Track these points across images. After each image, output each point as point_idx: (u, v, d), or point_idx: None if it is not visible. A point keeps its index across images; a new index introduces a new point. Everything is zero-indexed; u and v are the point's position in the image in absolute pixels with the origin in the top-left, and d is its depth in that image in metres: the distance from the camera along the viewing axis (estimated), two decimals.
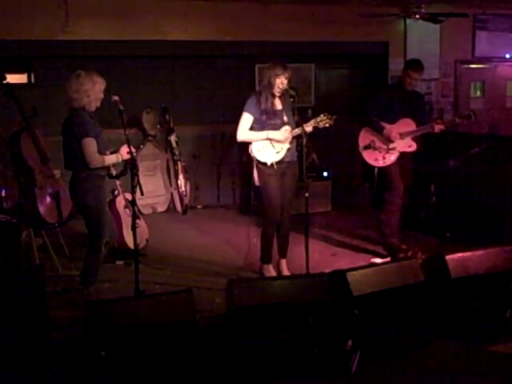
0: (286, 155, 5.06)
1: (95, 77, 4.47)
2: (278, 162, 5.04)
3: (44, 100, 6.61)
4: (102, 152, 4.47)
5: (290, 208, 5.23)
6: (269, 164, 5.03)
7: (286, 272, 5.29)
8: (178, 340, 3.54)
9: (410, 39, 8.22)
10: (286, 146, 5.05)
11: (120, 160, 4.50)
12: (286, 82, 4.96)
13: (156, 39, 7.13)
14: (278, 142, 5.01)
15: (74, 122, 4.41)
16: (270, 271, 5.29)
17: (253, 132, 5.07)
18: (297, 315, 3.79)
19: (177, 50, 7.38)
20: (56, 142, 5.38)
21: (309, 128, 4.94)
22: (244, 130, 5.07)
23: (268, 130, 5.02)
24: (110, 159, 4.50)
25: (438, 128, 5.59)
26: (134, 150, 4.40)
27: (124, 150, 4.46)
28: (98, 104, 4.53)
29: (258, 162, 5.08)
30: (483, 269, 4.25)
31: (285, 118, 5.05)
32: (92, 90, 4.44)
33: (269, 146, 5.04)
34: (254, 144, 5.07)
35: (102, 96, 4.51)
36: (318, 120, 4.99)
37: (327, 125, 5.00)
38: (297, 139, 5.16)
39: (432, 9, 7.47)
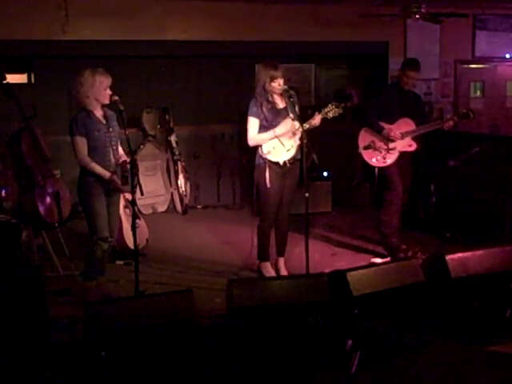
0: (297, 152, 4.97)
1: (97, 76, 4.45)
2: (290, 160, 4.97)
3: (44, 100, 6.62)
4: (102, 149, 4.52)
5: (289, 207, 5.20)
6: (281, 163, 4.96)
7: (283, 271, 5.28)
8: (177, 340, 3.54)
9: (410, 39, 8.22)
10: (296, 142, 4.95)
11: (106, 177, 4.50)
12: (282, 81, 4.88)
13: (156, 39, 7.13)
14: (286, 138, 4.93)
15: (71, 121, 4.54)
16: (268, 269, 5.27)
17: (261, 134, 5.00)
18: (297, 315, 3.79)
19: (177, 50, 7.38)
20: (56, 142, 5.41)
21: (316, 120, 4.84)
22: (253, 134, 5.00)
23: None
24: (98, 169, 4.49)
25: (447, 126, 5.61)
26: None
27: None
28: (105, 101, 4.52)
29: (271, 162, 4.98)
30: (483, 269, 4.25)
31: (290, 115, 4.95)
32: (90, 91, 4.44)
33: (279, 145, 4.95)
34: (264, 146, 4.98)
35: (106, 93, 4.48)
36: (326, 110, 4.86)
37: (336, 114, 4.86)
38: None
39: (432, 9, 7.46)
